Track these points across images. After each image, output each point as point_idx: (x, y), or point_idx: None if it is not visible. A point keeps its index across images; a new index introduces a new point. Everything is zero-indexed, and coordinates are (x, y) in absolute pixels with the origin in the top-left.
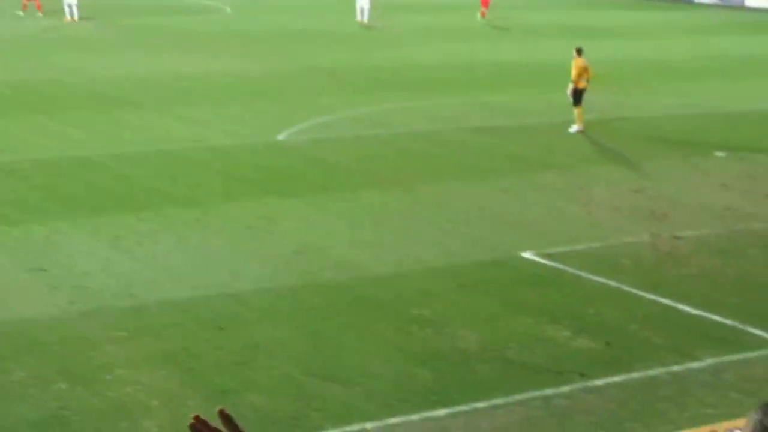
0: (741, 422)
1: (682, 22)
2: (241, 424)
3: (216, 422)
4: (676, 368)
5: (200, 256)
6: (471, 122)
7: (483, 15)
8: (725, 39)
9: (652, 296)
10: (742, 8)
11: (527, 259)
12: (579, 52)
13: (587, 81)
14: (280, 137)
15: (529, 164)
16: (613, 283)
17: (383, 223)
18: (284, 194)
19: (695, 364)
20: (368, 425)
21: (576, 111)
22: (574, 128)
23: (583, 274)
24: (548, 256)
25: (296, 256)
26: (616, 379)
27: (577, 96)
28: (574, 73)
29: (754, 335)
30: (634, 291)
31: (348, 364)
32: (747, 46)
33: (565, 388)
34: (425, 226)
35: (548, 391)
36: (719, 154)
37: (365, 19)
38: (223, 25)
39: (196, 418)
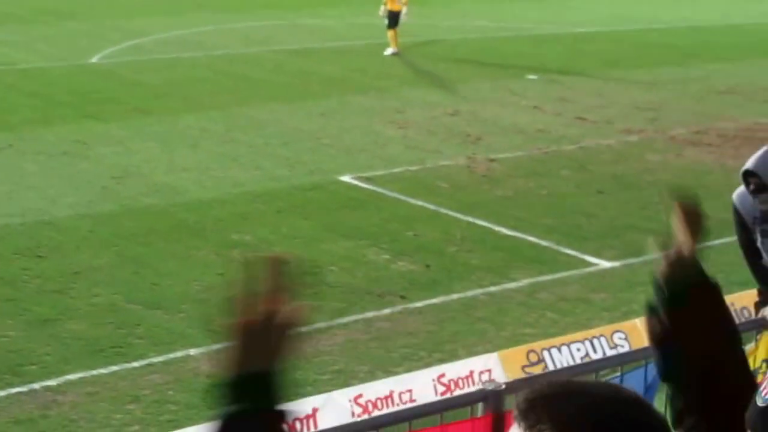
0: (557, 341)
1: None
2: None
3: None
4: (493, 289)
5: (14, 182)
6: (286, 44)
7: None
8: None
9: (469, 218)
10: None
11: (345, 183)
12: None
13: (402, 3)
14: (94, 60)
15: (346, 87)
16: (431, 206)
17: (201, 147)
18: (100, 118)
19: (512, 285)
20: (192, 351)
21: (390, 33)
22: (389, 51)
23: (401, 197)
24: (366, 180)
25: (114, 182)
26: (436, 300)
27: (392, 18)
28: None
29: (568, 255)
30: (452, 213)
31: (170, 290)
32: None
33: (386, 311)
34: (243, 150)
35: (369, 314)
36: (531, 76)
37: None
38: None
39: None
